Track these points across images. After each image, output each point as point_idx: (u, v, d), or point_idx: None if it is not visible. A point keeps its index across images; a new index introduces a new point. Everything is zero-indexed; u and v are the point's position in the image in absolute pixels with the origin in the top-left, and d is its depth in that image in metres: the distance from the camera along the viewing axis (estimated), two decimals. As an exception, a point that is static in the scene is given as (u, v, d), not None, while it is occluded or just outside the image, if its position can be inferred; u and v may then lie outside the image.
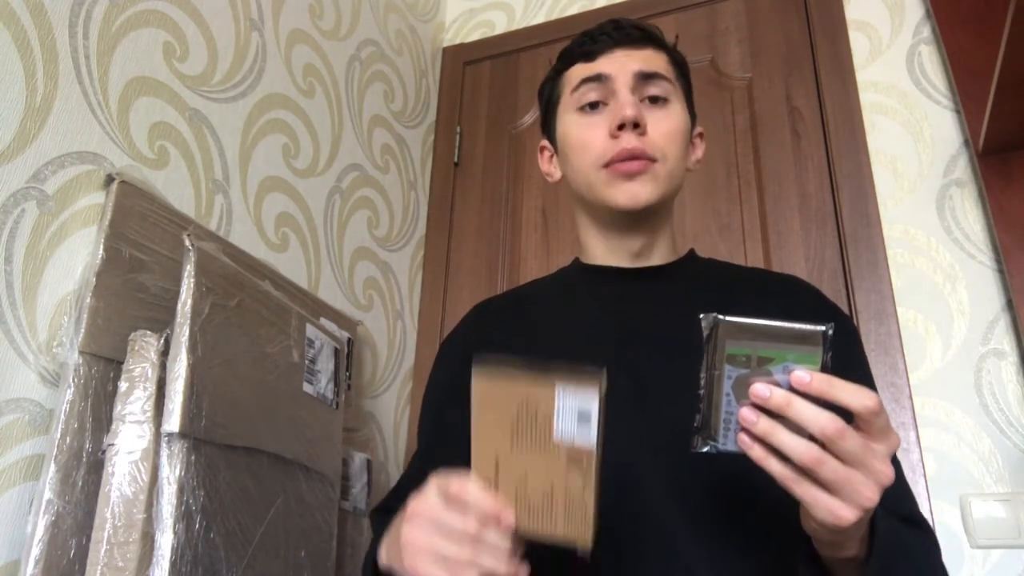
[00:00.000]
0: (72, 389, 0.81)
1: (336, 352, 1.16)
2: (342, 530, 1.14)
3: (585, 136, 0.82)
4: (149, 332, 0.86)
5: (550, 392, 0.52)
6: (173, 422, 0.80)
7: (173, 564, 0.76)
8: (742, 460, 0.53)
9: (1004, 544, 1.13)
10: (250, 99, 1.23)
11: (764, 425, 0.51)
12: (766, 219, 1.48)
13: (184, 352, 0.83)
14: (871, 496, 0.50)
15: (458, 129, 1.85)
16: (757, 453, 0.52)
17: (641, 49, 0.84)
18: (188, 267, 0.87)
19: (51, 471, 0.78)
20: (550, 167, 0.93)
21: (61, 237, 0.87)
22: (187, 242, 0.89)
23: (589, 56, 0.85)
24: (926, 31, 1.49)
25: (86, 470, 0.81)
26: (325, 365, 1.12)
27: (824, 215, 1.44)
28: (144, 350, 0.85)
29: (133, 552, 0.76)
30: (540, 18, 1.90)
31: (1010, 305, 1.24)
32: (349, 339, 1.27)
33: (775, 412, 0.51)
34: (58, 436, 0.79)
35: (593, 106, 0.83)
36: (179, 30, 1.10)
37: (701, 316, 0.54)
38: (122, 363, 0.85)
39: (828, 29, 1.56)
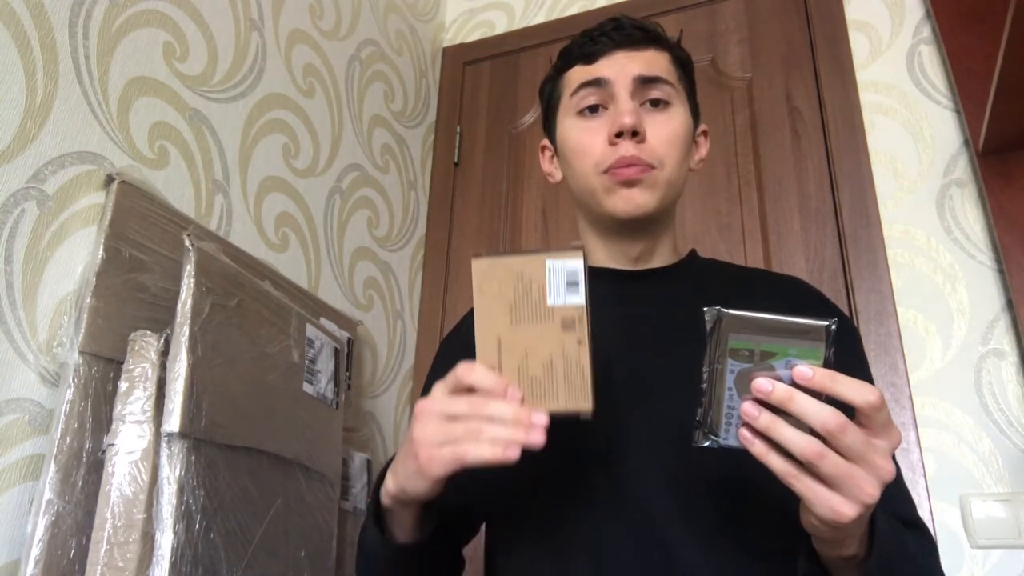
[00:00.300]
0: (72, 389, 0.81)
1: (336, 352, 1.16)
2: (342, 530, 1.14)
3: (584, 141, 0.81)
4: (149, 332, 0.86)
5: (540, 265, 0.59)
6: (173, 422, 0.80)
7: (173, 564, 0.76)
8: (742, 455, 0.53)
9: (1004, 544, 1.13)
10: (250, 99, 1.23)
11: (766, 419, 0.51)
12: (766, 219, 1.48)
13: (184, 352, 0.83)
14: (872, 492, 0.50)
15: (458, 129, 1.85)
16: (758, 449, 0.52)
17: (642, 50, 0.82)
18: (188, 267, 0.87)
19: (51, 471, 0.78)
20: (551, 167, 0.92)
21: (61, 237, 0.87)
22: (187, 242, 0.89)
23: (589, 58, 0.83)
24: (926, 31, 1.49)
25: (86, 470, 0.80)
26: (325, 365, 1.12)
27: (824, 215, 1.44)
28: (144, 350, 0.85)
29: (133, 552, 0.76)
30: (540, 18, 1.90)
31: (1010, 305, 1.24)
32: (349, 339, 1.27)
33: (777, 407, 0.51)
34: (58, 436, 0.79)
35: (593, 109, 0.82)
36: (179, 30, 1.10)
37: (705, 309, 0.54)
38: (122, 363, 0.85)
39: (828, 29, 1.56)
